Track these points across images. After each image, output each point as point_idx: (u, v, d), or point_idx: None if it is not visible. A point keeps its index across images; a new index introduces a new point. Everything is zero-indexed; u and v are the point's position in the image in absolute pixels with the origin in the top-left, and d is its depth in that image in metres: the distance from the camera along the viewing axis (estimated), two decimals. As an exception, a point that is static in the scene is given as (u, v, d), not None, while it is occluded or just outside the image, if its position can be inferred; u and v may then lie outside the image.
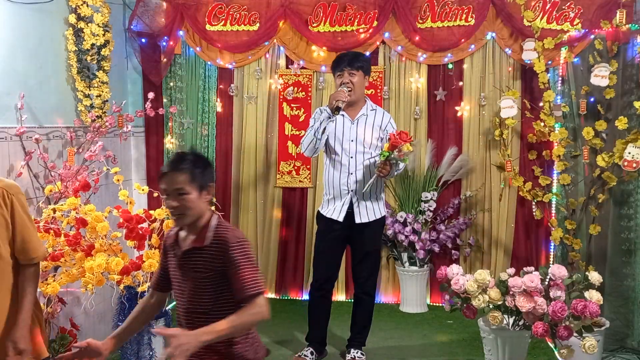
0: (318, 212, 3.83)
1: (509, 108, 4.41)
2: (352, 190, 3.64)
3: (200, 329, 1.92)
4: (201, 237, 2.11)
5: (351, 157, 3.65)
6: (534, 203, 4.53)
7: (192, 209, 2.10)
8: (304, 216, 5.06)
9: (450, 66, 4.78)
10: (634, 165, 3.82)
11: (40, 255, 2.42)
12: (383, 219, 3.78)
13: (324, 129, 3.58)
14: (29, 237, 2.35)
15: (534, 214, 4.54)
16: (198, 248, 2.10)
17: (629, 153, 3.81)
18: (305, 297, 5.03)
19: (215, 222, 2.13)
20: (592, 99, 4.27)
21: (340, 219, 3.66)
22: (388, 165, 3.44)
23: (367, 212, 3.67)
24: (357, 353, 3.82)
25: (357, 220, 3.65)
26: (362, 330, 3.88)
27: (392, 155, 3.39)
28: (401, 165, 3.53)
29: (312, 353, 3.83)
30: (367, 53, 4.75)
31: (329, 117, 3.56)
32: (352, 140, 3.65)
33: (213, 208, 3.46)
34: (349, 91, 3.55)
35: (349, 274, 4.67)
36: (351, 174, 3.64)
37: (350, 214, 3.66)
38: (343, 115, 3.65)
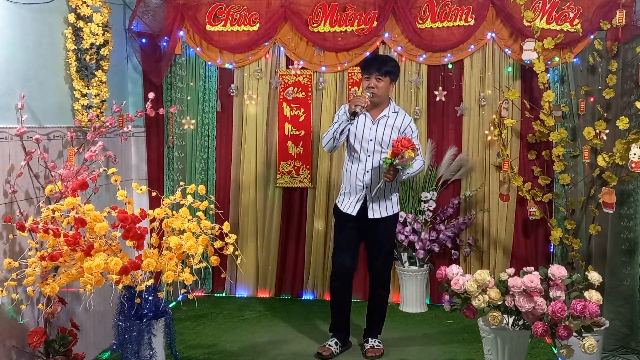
0: (335, 205, 3.96)
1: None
2: (366, 187, 3.78)
3: None
4: None
5: (368, 156, 3.78)
6: (533, 202, 4.51)
7: None
8: (304, 216, 5.06)
9: (450, 66, 4.78)
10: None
11: None
12: (396, 215, 3.91)
13: (342, 130, 3.70)
14: None
15: (532, 213, 4.49)
16: None
17: (635, 154, 3.81)
18: (305, 296, 5.05)
19: None
20: (591, 99, 4.26)
21: (354, 213, 3.79)
22: (393, 171, 3.58)
23: (380, 209, 3.80)
24: (374, 342, 3.94)
25: (370, 216, 3.79)
26: (378, 320, 4.03)
27: (395, 162, 3.51)
28: (410, 169, 3.64)
29: (336, 343, 3.95)
30: (367, 53, 4.75)
31: (347, 120, 3.67)
32: (370, 140, 3.77)
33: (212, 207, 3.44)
34: (372, 96, 3.66)
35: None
36: (367, 171, 3.78)
37: (364, 209, 3.79)
38: (365, 114, 3.78)
